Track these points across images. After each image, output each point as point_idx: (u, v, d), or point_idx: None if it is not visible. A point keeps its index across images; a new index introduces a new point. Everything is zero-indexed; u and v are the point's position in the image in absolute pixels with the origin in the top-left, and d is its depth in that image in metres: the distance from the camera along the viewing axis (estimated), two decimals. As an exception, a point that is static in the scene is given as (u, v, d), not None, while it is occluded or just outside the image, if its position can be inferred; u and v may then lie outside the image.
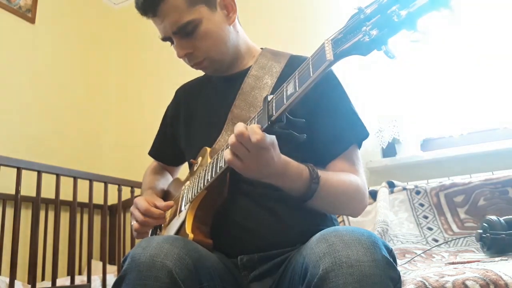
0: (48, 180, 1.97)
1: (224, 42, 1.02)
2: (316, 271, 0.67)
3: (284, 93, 0.71)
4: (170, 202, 1.06)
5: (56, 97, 2.74)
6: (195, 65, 1.04)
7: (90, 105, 2.97)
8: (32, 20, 2.66)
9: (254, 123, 0.76)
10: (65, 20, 2.90)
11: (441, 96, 2.00)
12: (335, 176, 0.90)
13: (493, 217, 1.28)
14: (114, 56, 3.19)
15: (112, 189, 2.30)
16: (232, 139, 0.74)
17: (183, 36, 0.98)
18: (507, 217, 1.28)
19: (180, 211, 1.01)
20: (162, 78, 2.89)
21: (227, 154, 0.78)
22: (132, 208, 1.06)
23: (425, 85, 2.05)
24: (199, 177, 0.96)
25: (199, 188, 0.93)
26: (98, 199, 2.26)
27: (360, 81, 2.07)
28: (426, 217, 1.70)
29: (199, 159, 1.05)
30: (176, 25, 0.96)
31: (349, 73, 2.08)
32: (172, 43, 1.03)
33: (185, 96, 1.22)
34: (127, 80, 3.13)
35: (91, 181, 2.16)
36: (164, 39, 1.02)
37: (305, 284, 0.70)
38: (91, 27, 3.08)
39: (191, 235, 0.89)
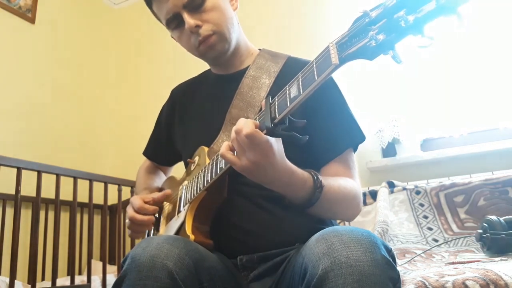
0: (48, 180, 1.97)
1: (231, 20, 1.03)
2: (315, 271, 0.67)
3: (287, 95, 0.70)
4: (168, 191, 1.08)
5: (55, 97, 2.74)
6: (203, 42, 1.00)
7: (90, 105, 2.97)
8: (32, 20, 2.66)
9: None
10: (65, 20, 2.90)
11: (441, 96, 2.00)
12: (335, 183, 0.90)
13: (493, 217, 1.28)
14: (114, 56, 3.19)
15: (112, 189, 2.30)
16: (232, 135, 0.75)
17: (192, 9, 0.98)
18: (507, 217, 1.28)
19: (179, 211, 1.01)
20: (161, 77, 2.89)
21: (224, 149, 0.79)
22: (128, 207, 1.06)
23: (425, 85, 2.05)
24: (198, 178, 0.96)
25: (198, 189, 0.93)
26: (98, 199, 2.26)
27: (360, 81, 2.07)
28: (426, 217, 1.70)
29: (196, 158, 1.05)
30: None
31: (349, 72, 2.09)
32: (176, 27, 1.01)
33: (181, 95, 1.22)
34: (127, 80, 3.13)
35: (91, 181, 2.16)
36: (172, 18, 1.00)
37: (305, 284, 0.70)
38: (91, 27, 3.08)
39: (192, 236, 0.89)
